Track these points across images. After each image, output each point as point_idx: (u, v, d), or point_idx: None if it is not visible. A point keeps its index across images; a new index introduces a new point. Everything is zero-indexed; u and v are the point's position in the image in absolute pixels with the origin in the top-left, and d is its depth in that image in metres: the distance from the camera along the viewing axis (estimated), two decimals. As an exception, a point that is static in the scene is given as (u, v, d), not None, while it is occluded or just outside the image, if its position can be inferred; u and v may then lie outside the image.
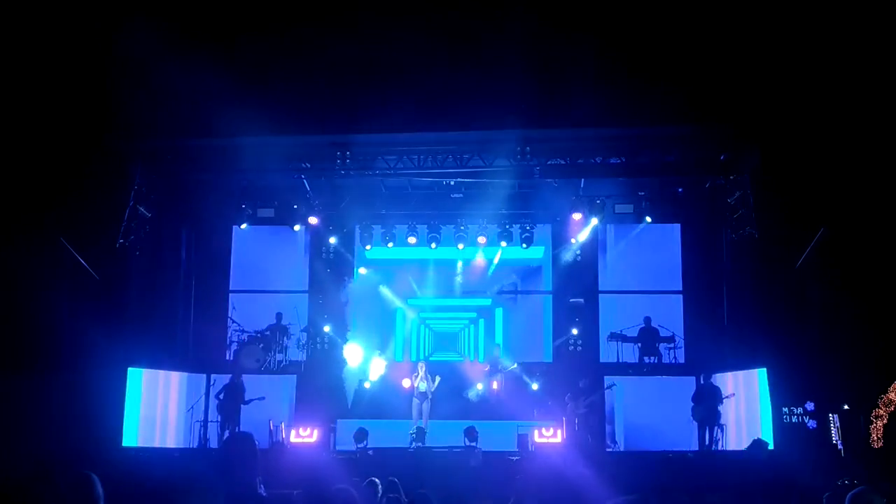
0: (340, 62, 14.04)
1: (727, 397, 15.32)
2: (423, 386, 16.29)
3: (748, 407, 15.30)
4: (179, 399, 16.26)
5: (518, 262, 18.58)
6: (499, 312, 18.81)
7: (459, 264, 18.42)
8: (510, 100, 14.25)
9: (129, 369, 15.40)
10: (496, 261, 18.28)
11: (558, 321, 18.00)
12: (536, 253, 18.31)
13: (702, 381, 15.47)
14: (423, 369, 16.50)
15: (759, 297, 15.67)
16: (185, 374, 16.51)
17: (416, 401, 16.26)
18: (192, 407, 16.09)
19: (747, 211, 15.40)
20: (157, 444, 15.51)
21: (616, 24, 13.44)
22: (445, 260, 18.39)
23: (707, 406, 15.11)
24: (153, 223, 16.46)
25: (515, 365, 17.38)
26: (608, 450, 16.24)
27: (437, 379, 16.46)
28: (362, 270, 18.29)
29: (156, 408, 15.84)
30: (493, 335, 18.71)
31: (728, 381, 15.79)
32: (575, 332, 17.43)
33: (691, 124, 15.21)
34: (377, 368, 17.67)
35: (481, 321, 18.90)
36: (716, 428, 15.03)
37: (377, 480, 7.87)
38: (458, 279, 18.55)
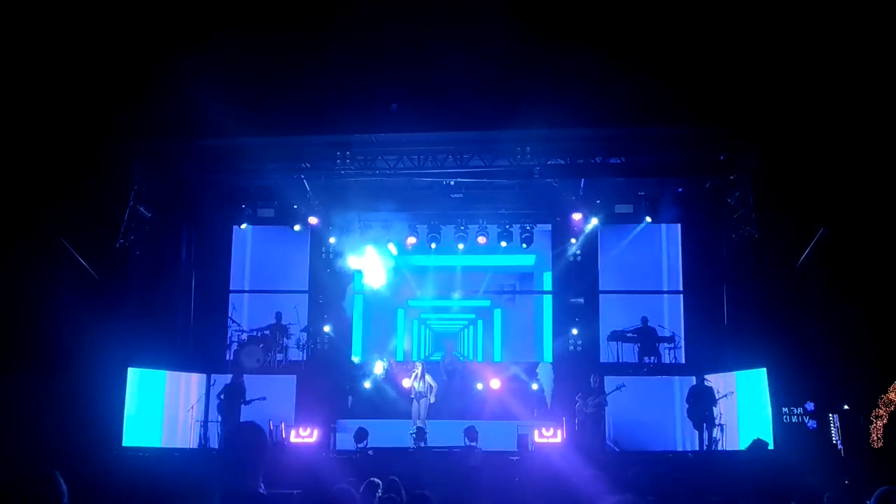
0: (341, 62, 14.04)
1: (723, 396, 15.31)
2: (418, 385, 16.27)
3: (748, 407, 15.30)
4: (179, 399, 16.26)
5: (511, 268, 18.64)
6: (497, 313, 18.82)
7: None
8: (510, 100, 14.25)
9: (129, 369, 15.40)
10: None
11: (558, 321, 18.00)
12: (528, 260, 18.50)
13: (695, 382, 15.47)
14: (420, 369, 16.50)
15: (759, 297, 15.67)
16: (185, 374, 16.51)
17: (414, 400, 16.27)
18: (192, 407, 16.09)
19: (747, 211, 15.40)
20: (157, 444, 15.50)
21: (616, 25, 13.44)
22: (446, 266, 18.55)
23: (701, 406, 15.11)
24: (153, 223, 16.46)
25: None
26: (609, 450, 16.23)
27: (429, 378, 16.41)
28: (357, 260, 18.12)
29: (156, 408, 15.84)
30: (493, 336, 18.72)
31: (719, 382, 15.78)
32: (575, 332, 17.43)
33: (691, 124, 15.21)
34: (377, 368, 17.68)
35: (480, 322, 18.90)
36: (714, 428, 15.02)
37: (377, 480, 7.86)
38: (457, 295, 18.59)
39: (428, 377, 16.41)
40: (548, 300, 18.54)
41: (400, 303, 18.68)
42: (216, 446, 15.47)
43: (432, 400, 16.28)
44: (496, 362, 18.38)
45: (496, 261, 18.46)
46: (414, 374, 16.40)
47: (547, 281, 18.65)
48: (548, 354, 18.23)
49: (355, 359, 17.63)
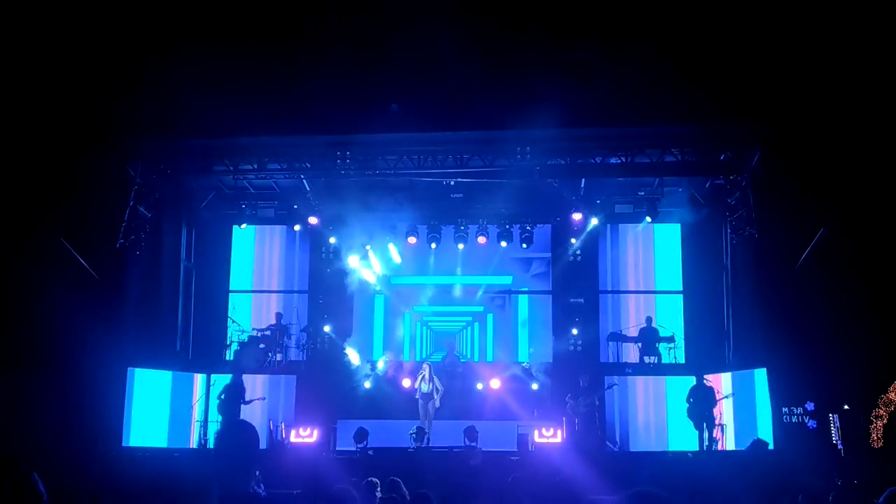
0: (341, 62, 14.03)
1: (725, 397, 15.30)
2: (425, 387, 16.16)
3: (748, 407, 15.29)
4: (179, 399, 16.26)
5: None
6: (490, 318, 18.84)
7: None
8: (510, 100, 14.24)
9: (129, 369, 15.40)
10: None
11: (558, 321, 18.00)
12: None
13: (695, 382, 15.45)
14: (428, 370, 16.40)
15: (759, 297, 15.66)
16: (185, 374, 16.51)
17: (420, 401, 16.18)
18: (191, 407, 16.09)
19: (747, 211, 15.39)
20: (157, 444, 15.50)
21: (616, 24, 13.44)
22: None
23: (702, 406, 15.09)
24: (153, 223, 16.46)
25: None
26: (608, 450, 16.22)
27: (436, 380, 16.37)
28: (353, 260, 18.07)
29: (156, 408, 15.83)
30: (486, 338, 18.75)
31: (721, 381, 15.78)
32: (575, 332, 17.43)
33: (691, 124, 15.21)
34: (380, 367, 17.68)
35: (476, 324, 18.94)
36: (714, 427, 15.01)
37: (376, 480, 7.85)
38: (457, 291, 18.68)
39: (436, 379, 16.31)
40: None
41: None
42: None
43: (437, 404, 16.19)
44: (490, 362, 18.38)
45: (482, 280, 18.61)
46: (421, 376, 16.30)
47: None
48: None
49: (354, 354, 17.60)
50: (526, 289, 18.73)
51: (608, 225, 18.14)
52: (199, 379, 16.42)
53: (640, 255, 18.47)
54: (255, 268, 18.84)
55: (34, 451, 12.60)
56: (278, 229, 18.78)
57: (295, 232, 18.39)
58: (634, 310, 18.19)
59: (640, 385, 17.11)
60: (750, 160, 15.40)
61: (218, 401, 15.59)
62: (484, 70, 13.96)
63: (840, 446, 14.59)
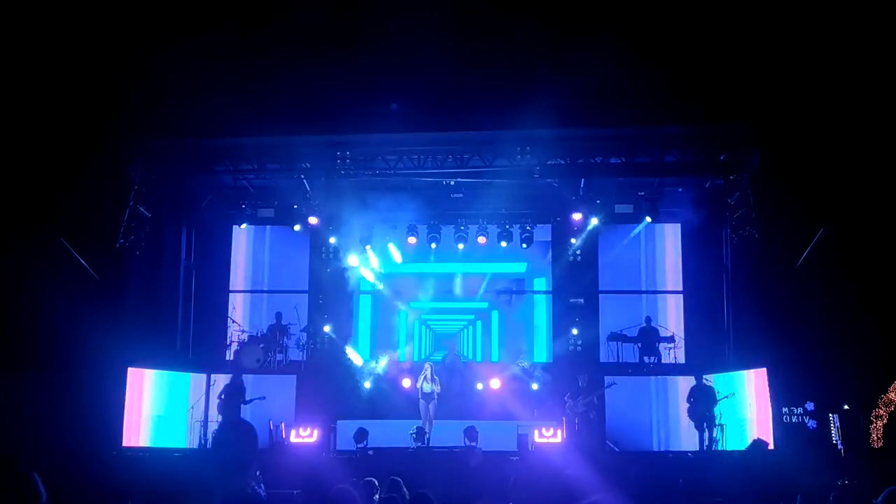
0: (341, 62, 14.04)
1: (726, 397, 15.30)
2: (427, 387, 16.12)
3: (748, 407, 15.30)
4: (179, 399, 16.27)
5: (503, 275, 18.72)
6: (495, 315, 18.81)
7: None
8: (510, 100, 14.24)
9: (129, 369, 15.40)
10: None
11: (558, 321, 17.99)
12: (519, 268, 18.58)
13: (695, 382, 15.46)
14: (430, 370, 16.35)
15: (759, 297, 15.67)
16: (185, 374, 16.52)
17: (422, 401, 16.16)
18: (192, 407, 16.09)
19: (747, 211, 15.40)
20: (157, 444, 15.50)
21: (616, 24, 13.45)
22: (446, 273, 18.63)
23: (702, 406, 15.10)
24: (153, 223, 16.45)
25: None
26: (608, 449, 16.22)
27: (437, 380, 16.35)
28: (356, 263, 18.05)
29: (156, 408, 15.84)
30: (490, 336, 18.72)
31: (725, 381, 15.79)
32: (575, 332, 17.43)
33: (691, 124, 15.21)
34: (381, 366, 17.68)
35: (479, 322, 18.91)
36: (714, 427, 15.01)
37: (374, 480, 7.85)
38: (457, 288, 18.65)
39: (437, 380, 16.26)
40: (539, 306, 18.60)
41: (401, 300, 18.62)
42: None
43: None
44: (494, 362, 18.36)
45: (491, 268, 18.51)
46: (423, 376, 16.27)
47: (538, 286, 18.71)
48: (539, 355, 18.24)
49: (350, 352, 17.61)
50: (541, 286, 18.70)
51: (608, 225, 18.09)
52: (198, 379, 16.40)
53: (639, 256, 18.47)
54: (255, 268, 18.84)
55: (34, 451, 12.60)
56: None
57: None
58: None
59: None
60: (750, 160, 15.40)
61: (218, 401, 15.60)
62: (484, 70, 13.97)
63: (840, 446, 14.60)
